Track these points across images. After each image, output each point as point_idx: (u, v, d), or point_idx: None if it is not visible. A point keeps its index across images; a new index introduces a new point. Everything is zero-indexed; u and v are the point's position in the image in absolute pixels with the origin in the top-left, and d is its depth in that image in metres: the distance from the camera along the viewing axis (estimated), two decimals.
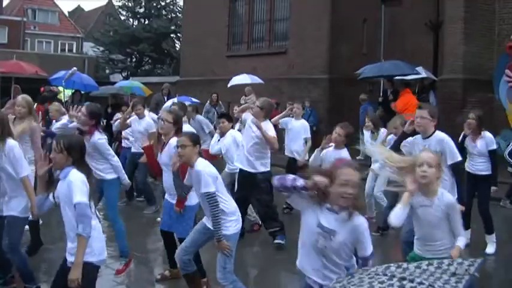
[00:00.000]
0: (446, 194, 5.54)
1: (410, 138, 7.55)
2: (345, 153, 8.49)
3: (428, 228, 5.47)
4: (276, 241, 9.51)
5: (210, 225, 6.55)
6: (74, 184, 5.05)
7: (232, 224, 6.52)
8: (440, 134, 7.35)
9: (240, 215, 6.66)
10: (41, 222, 9.91)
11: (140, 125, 12.15)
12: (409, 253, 6.25)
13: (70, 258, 5.15)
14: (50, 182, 5.38)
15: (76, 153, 5.23)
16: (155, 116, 13.37)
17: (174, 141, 7.30)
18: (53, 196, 5.27)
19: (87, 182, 5.15)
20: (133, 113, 12.36)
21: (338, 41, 21.98)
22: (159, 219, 11.05)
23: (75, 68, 17.15)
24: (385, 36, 20.97)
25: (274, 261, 8.98)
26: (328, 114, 20.71)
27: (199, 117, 13.29)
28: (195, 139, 6.69)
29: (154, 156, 7.98)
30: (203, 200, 6.48)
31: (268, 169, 9.59)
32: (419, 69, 17.78)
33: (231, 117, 10.92)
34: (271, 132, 9.41)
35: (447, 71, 18.23)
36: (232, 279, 6.53)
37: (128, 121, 11.83)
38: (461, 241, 5.37)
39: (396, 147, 7.39)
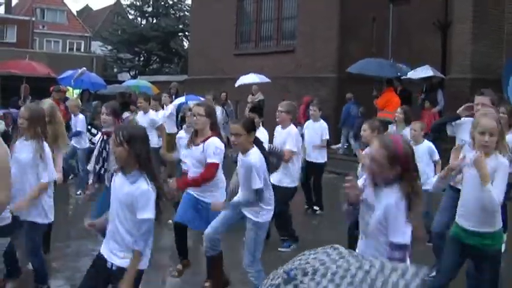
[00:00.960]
0: (499, 155, 5.48)
1: (464, 119, 7.18)
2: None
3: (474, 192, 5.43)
4: (280, 248, 9.31)
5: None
6: (145, 197, 4.75)
7: (267, 213, 6.57)
8: None
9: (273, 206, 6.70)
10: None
11: (144, 120, 12.16)
12: (442, 247, 6.25)
13: (113, 260, 4.91)
14: None
15: (138, 146, 4.80)
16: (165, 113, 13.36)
17: (214, 140, 7.26)
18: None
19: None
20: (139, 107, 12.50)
21: (347, 39, 21.93)
22: (170, 221, 11.08)
23: (84, 68, 17.21)
24: (393, 35, 20.93)
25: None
26: (335, 113, 20.66)
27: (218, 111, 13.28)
28: (249, 126, 6.54)
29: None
30: (243, 182, 6.50)
31: (291, 185, 9.42)
32: (426, 67, 17.72)
33: (262, 112, 10.45)
34: (290, 144, 9.29)
35: (455, 70, 18.18)
36: (258, 268, 6.52)
37: (131, 117, 11.83)
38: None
39: (438, 129, 7.15)
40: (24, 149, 6.59)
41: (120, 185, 4.87)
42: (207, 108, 7.49)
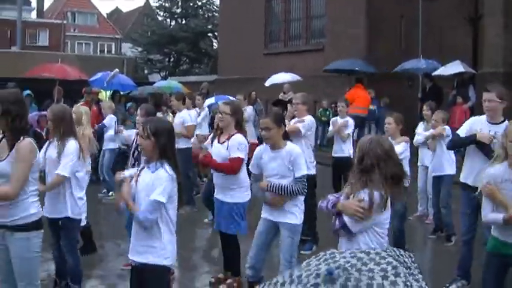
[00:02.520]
0: None
1: (475, 118, 7.09)
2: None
3: None
4: (301, 251, 8.62)
5: (270, 217, 6.55)
6: (160, 181, 4.81)
7: (301, 213, 6.55)
8: None
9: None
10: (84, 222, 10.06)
11: (177, 120, 12.21)
12: (469, 255, 6.23)
13: (135, 258, 4.98)
14: None
15: (163, 140, 4.91)
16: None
17: (237, 137, 7.31)
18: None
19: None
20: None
21: (375, 37, 21.82)
22: (206, 220, 11.09)
23: (117, 69, 17.17)
24: (422, 31, 20.72)
25: None
26: None
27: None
28: (279, 119, 6.55)
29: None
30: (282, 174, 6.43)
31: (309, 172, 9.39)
32: (457, 63, 17.55)
33: (287, 106, 10.49)
34: (298, 124, 9.21)
35: (487, 64, 17.95)
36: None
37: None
38: None
39: (458, 147, 7.09)
40: (52, 148, 6.70)
41: (143, 177, 4.96)
42: (233, 107, 7.55)
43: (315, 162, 9.43)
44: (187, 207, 11.63)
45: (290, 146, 6.48)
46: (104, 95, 18.92)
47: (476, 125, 6.84)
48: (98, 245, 9.18)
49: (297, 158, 6.35)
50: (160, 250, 4.88)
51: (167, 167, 4.86)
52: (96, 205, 11.88)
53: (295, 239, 6.54)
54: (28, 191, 5.23)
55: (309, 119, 9.27)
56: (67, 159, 6.57)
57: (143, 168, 5.08)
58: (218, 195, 7.51)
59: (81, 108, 9.04)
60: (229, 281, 7.51)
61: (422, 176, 10.96)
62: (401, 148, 8.03)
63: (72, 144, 6.63)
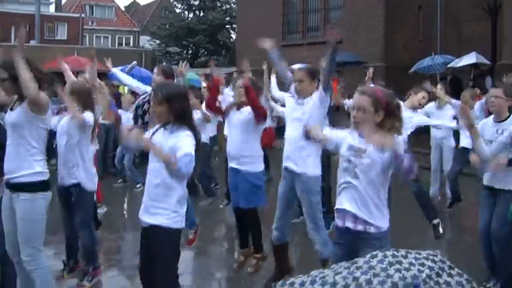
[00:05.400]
0: None
1: (483, 121, 7.01)
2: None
3: None
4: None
5: (292, 166, 6.58)
6: (185, 139, 4.68)
7: (316, 166, 6.58)
8: None
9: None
10: (104, 210, 10.21)
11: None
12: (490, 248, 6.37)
13: (148, 219, 4.88)
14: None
15: (178, 105, 4.81)
16: None
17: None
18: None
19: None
20: None
21: (393, 28, 21.81)
22: (221, 206, 11.22)
23: (135, 62, 17.17)
24: (441, 22, 20.71)
25: None
26: None
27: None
28: (314, 74, 6.75)
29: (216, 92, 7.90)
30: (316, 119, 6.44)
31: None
32: (471, 55, 17.51)
33: None
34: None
35: (506, 56, 17.91)
36: (325, 235, 6.53)
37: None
38: None
39: None
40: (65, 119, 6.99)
41: (160, 137, 4.85)
42: (251, 81, 7.61)
43: None
44: (210, 198, 11.82)
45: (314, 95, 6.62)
46: (123, 88, 19.09)
47: (483, 129, 6.67)
48: (117, 236, 9.31)
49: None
50: (171, 213, 4.80)
51: (187, 128, 4.78)
52: (113, 195, 12.05)
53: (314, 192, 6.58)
54: (32, 148, 5.32)
55: None
56: (86, 115, 6.77)
57: (158, 129, 4.95)
58: (232, 163, 7.39)
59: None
60: (254, 260, 7.54)
61: (436, 155, 11.01)
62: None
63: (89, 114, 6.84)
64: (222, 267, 8.06)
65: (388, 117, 4.47)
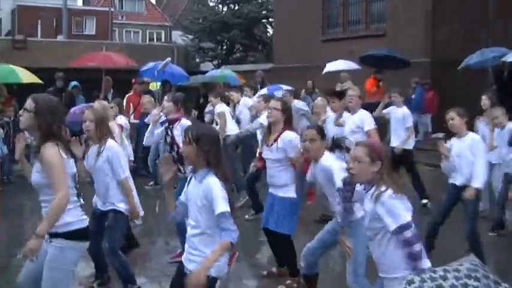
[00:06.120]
0: None
1: None
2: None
3: None
4: None
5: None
6: (214, 190, 4.87)
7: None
8: None
9: None
10: (140, 222, 10.28)
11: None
12: None
13: (188, 265, 5.05)
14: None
15: (207, 146, 4.96)
16: None
17: (288, 135, 7.49)
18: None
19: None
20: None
21: (439, 21, 21.58)
22: (247, 216, 11.30)
23: (169, 58, 17.32)
24: (490, 14, 20.47)
25: None
26: None
27: (295, 102, 13.39)
28: (324, 132, 6.88)
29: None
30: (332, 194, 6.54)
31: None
32: None
33: (343, 96, 10.73)
34: (369, 124, 9.64)
35: None
36: (364, 284, 6.40)
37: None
38: None
39: None
40: (91, 153, 7.16)
41: (192, 187, 5.09)
42: (283, 104, 7.74)
43: None
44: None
45: (327, 160, 6.64)
46: (155, 85, 19.24)
47: None
48: (148, 241, 9.39)
49: (331, 172, 6.48)
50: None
51: (212, 174, 4.95)
52: (144, 198, 12.13)
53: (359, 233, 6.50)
54: (47, 200, 5.24)
55: (368, 115, 9.57)
56: (118, 160, 7.06)
57: (191, 177, 5.18)
58: (271, 189, 7.74)
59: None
60: (288, 281, 7.66)
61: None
62: None
63: (113, 144, 7.12)
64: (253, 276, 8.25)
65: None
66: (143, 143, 10.23)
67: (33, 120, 5.21)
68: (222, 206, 4.82)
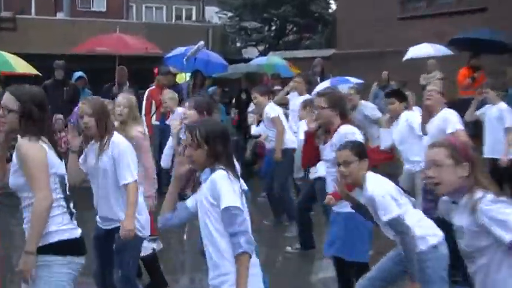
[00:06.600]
0: None
1: None
2: None
3: None
4: None
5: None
6: (221, 185, 5.01)
7: (429, 241, 6.63)
8: None
9: (442, 234, 6.69)
10: (160, 246, 10.41)
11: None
12: None
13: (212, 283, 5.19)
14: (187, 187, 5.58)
15: (219, 147, 5.14)
16: None
17: (345, 128, 7.72)
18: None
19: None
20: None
21: None
22: (289, 248, 11.43)
23: (202, 42, 17.26)
24: None
25: None
26: None
27: (364, 103, 13.45)
28: (362, 150, 6.85)
29: (312, 146, 8.29)
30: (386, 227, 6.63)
31: None
32: None
33: (404, 95, 10.93)
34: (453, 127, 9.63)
35: None
36: None
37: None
38: None
39: None
40: (91, 152, 7.35)
41: (200, 192, 5.25)
42: (331, 98, 7.94)
43: None
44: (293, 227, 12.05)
45: (369, 186, 6.67)
46: (184, 77, 19.01)
47: None
48: (171, 279, 9.50)
49: (374, 202, 6.56)
50: (232, 278, 5.04)
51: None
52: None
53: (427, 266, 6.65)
54: (28, 205, 5.43)
55: (454, 115, 9.60)
56: (126, 159, 7.17)
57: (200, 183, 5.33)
58: (335, 206, 7.79)
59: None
60: None
61: None
62: None
63: (120, 139, 7.28)
64: None
65: None
66: (161, 162, 10.33)
67: (18, 123, 5.42)
68: (228, 199, 4.96)
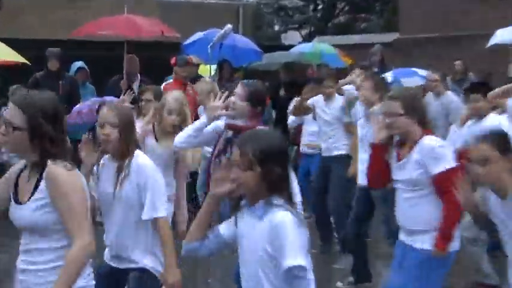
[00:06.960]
0: None
1: None
2: None
3: None
4: None
5: None
6: (287, 235, 4.87)
7: None
8: None
9: None
10: None
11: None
12: None
13: None
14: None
15: (277, 169, 4.97)
16: None
17: (429, 140, 7.52)
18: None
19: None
20: None
21: None
22: (340, 284, 11.30)
23: (229, 25, 17.08)
24: None
25: None
26: None
27: (450, 95, 13.31)
28: (506, 144, 6.51)
29: (380, 161, 8.06)
30: None
31: None
32: None
33: (491, 90, 10.67)
34: None
35: None
36: None
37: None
38: None
39: None
40: (106, 173, 7.24)
41: (248, 226, 5.13)
42: (405, 102, 7.68)
43: None
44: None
45: None
46: (209, 69, 18.80)
47: None
48: None
49: None
50: None
51: (279, 205, 4.94)
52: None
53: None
54: (49, 248, 5.30)
55: None
56: (158, 186, 7.01)
57: (244, 212, 5.19)
58: (402, 235, 7.86)
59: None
60: None
61: None
62: None
63: (146, 161, 7.16)
64: None
65: None
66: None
67: (26, 140, 5.16)
68: (293, 257, 4.80)
